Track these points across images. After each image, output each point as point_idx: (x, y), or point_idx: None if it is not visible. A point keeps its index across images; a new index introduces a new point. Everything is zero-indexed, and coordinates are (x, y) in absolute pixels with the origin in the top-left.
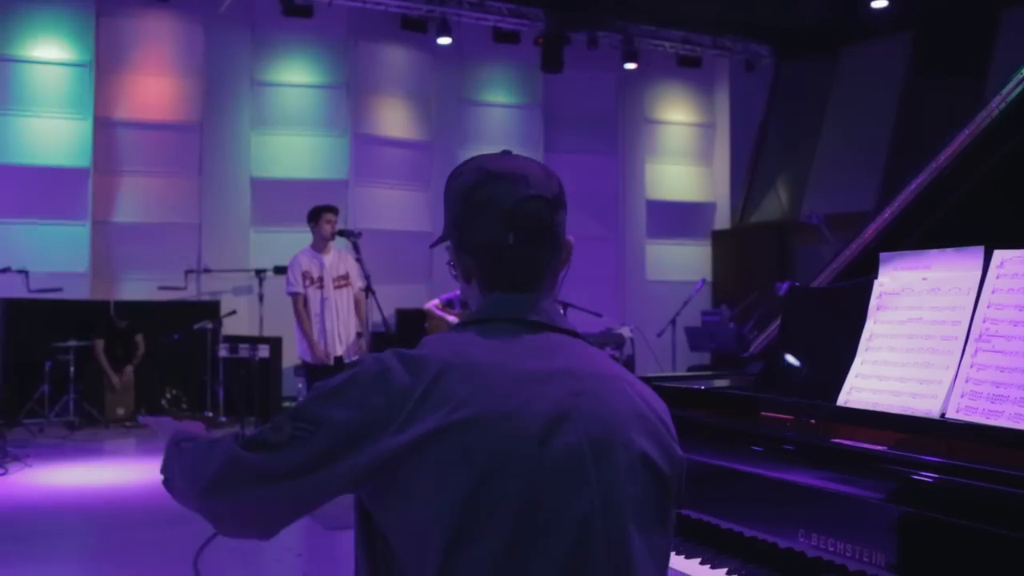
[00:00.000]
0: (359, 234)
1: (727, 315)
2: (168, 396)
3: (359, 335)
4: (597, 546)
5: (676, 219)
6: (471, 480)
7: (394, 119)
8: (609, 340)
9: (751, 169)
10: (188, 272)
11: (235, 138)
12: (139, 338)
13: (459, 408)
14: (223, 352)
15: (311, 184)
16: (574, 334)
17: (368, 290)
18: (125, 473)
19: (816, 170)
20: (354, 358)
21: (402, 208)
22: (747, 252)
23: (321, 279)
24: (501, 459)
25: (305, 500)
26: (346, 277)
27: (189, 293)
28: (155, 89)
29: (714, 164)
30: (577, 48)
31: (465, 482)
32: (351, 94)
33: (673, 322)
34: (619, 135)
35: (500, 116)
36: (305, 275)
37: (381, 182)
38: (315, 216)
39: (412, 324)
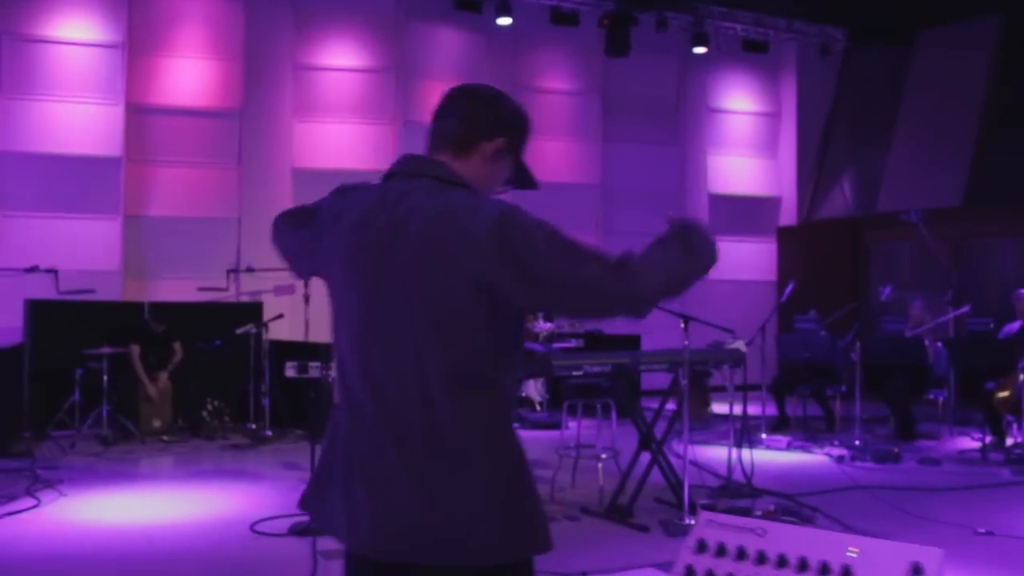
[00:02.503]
0: None
1: (815, 319)
2: (209, 408)
3: None
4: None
5: (740, 214)
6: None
7: None
8: (725, 357)
9: (819, 161)
10: (230, 271)
11: (276, 126)
12: (177, 344)
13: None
14: (289, 371)
15: (358, 175)
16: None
17: None
18: (168, 505)
19: (892, 163)
20: None
21: None
22: (816, 250)
23: None
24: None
25: None
26: None
27: (229, 294)
28: (191, 73)
29: (779, 156)
30: (642, 30)
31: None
32: (401, 79)
33: (763, 329)
34: (680, 125)
35: (557, 103)
36: None
37: None
38: None
39: None
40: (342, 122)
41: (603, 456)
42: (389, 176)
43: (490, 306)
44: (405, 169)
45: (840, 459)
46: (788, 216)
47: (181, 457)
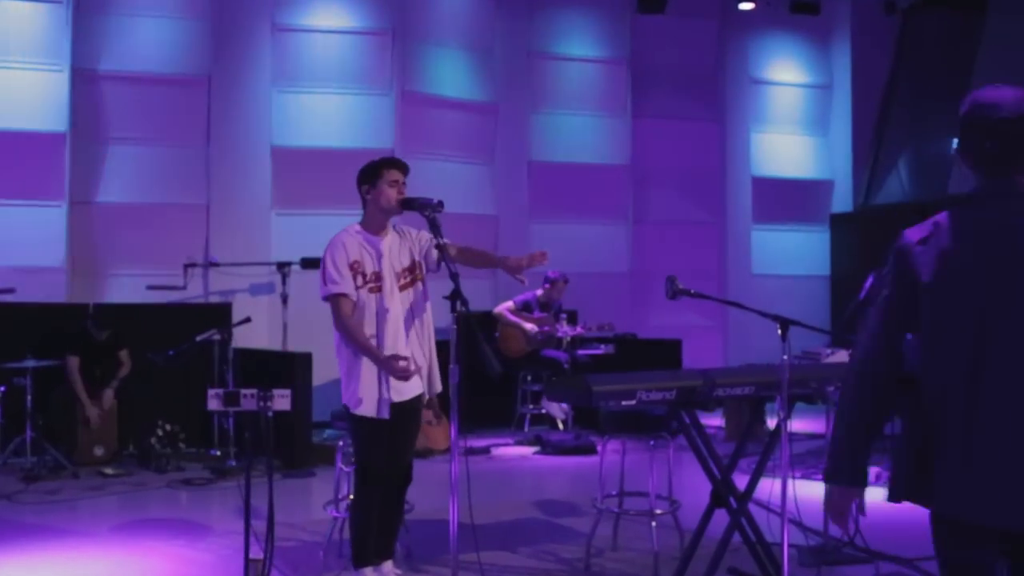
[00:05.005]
0: (439, 205)
1: None
2: (160, 432)
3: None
4: None
5: (787, 200)
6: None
7: (450, 75)
8: (834, 375)
9: (877, 139)
10: (188, 266)
11: (252, 97)
12: (124, 354)
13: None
14: (212, 403)
15: (347, 155)
16: None
17: (456, 297)
18: None
19: None
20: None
21: (460, 184)
22: (875, 240)
23: (378, 276)
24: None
25: None
26: (414, 268)
27: (192, 293)
28: (150, 34)
29: (832, 133)
30: None
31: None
32: (397, 43)
33: (850, 329)
34: (720, 98)
35: (578, 73)
36: (353, 268)
37: (434, 152)
38: (372, 175)
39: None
40: (329, 93)
41: (658, 512)
42: (990, 198)
43: None
44: (1004, 191)
45: None
46: (842, 202)
47: (117, 498)
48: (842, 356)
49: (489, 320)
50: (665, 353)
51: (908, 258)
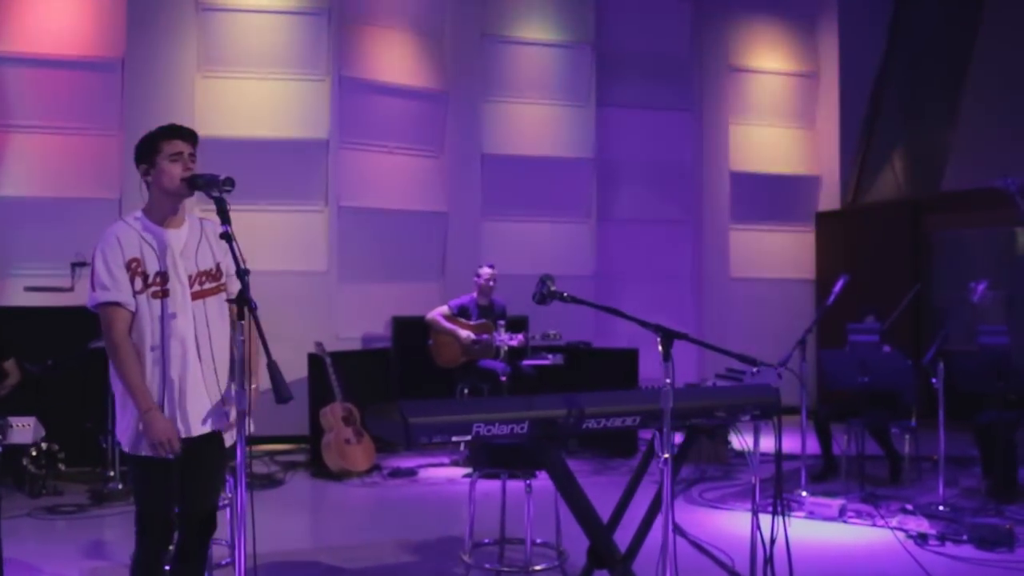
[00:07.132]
0: (228, 183)
1: (875, 329)
2: (35, 451)
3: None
4: None
5: (769, 197)
6: None
7: (394, 59)
8: (745, 402)
9: (867, 132)
10: (76, 265)
11: (174, 81)
12: (10, 364)
13: None
14: None
15: (278, 145)
16: None
17: (244, 302)
18: None
19: (960, 132)
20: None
21: (406, 179)
22: (864, 240)
23: (163, 276)
24: None
25: None
26: (216, 275)
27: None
28: (56, 11)
29: (818, 126)
30: None
31: None
32: (334, 23)
33: (802, 343)
34: (695, 87)
35: (537, 58)
36: (131, 268)
37: (376, 144)
38: (148, 150)
39: (415, 338)
40: (260, 77)
41: (539, 568)
42: None
43: None
44: None
45: (922, 539)
46: (829, 199)
47: None
48: (768, 376)
49: (424, 324)
50: (620, 364)
51: None
